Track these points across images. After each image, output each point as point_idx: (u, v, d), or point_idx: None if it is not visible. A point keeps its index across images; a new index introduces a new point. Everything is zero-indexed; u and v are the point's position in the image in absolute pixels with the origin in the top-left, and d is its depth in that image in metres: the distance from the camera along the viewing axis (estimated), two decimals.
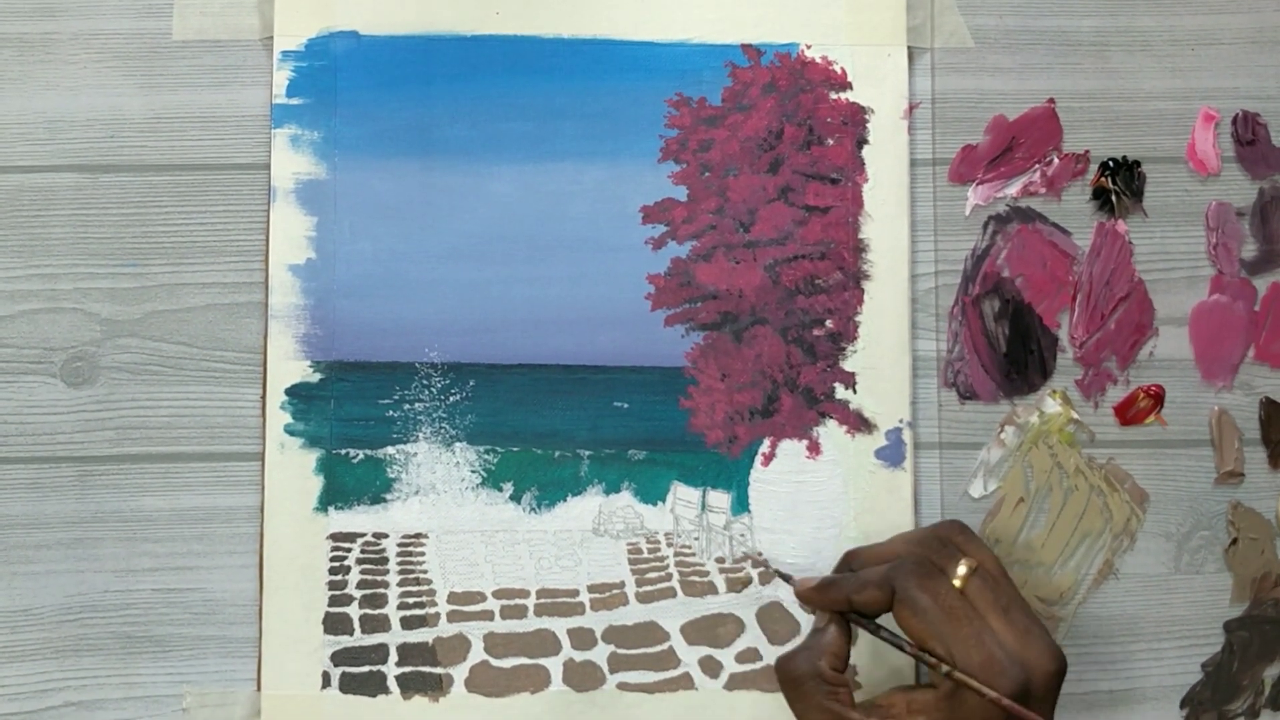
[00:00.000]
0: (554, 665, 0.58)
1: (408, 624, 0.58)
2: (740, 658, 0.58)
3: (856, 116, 0.61)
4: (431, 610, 0.58)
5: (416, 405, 0.59)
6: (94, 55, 0.60)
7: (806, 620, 0.59)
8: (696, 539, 0.59)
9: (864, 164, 0.60)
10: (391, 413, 0.59)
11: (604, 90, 0.60)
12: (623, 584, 0.59)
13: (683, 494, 0.59)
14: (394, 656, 0.58)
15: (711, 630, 0.59)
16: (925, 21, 0.61)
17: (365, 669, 0.58)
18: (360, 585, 0.58)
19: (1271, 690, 0.60)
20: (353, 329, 0.59)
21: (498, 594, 0.59)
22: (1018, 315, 0.61)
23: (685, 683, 0.58)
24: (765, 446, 0.60)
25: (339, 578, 0.58)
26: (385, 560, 0.58)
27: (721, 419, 0.60)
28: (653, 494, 0.59)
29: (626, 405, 0.59)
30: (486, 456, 0.59)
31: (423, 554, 0.59)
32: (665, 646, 0.59)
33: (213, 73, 0.60)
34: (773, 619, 0.59)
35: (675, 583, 0.59)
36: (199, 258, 0.59)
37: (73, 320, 0.59)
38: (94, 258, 0.59)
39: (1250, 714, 0.60)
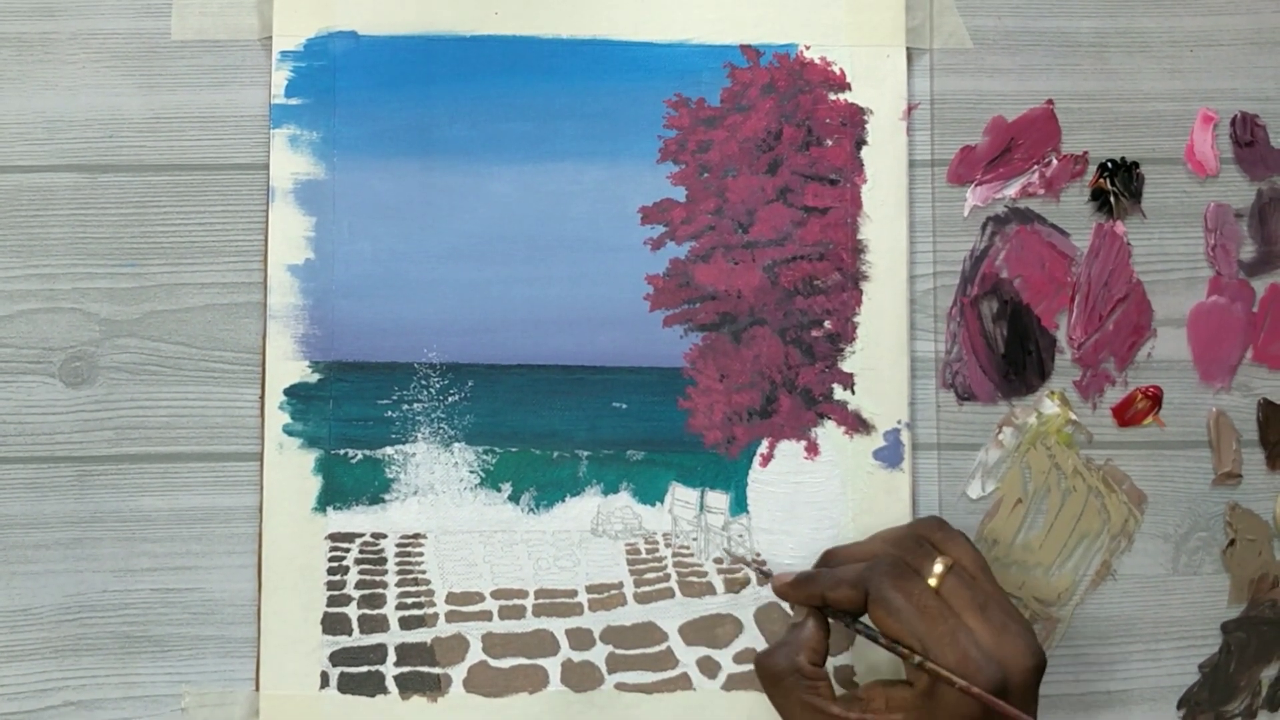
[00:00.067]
0: (552, 665, 0.58)
1: (406, 624, 0.58)
2: (738, 658, 0.59)
3: (855, 117, 0.61)
4: (430, 610, 0.58)
5: (415, 405, 0.59)
6: (93, 55, 0.60)
7: None
8: (695, 539, 0.59)
9: (863, 165, 0.60)
10: (390, 413, 0.59)
11: (603, 91, 0.60)
12: (621, 584, 0.59)
13: (681, 494, 0.59)
14: (392, 656, 0.58)
15: (710, 631, 0.59)
16: (924, 22, 0.61)
17: (364, 669, 0.58)
18: (359, 585, 0.58)
19: (1268, 691, 0.60)
20: (352, 329, 0.59)
21: (496, 594, 0.59)
22: (1016, 316, 0.61)
23: (683, 683, 0.58)
24: (763, 447, 0.60)
25: (337, 578, 0.58)
26: (384, 560, 0.58)
27: (720, 419, 0.60)
28: (651, 494, 0.59)
29: (625, 406, 0.59)
30: (485, 457, 0.59)
31: (421, 554, 0.59)
32: (663, 647, 0.59)
33: (211, 73, 0.60)
34: (771, 620, 0.59)
35: (673, 583, 0.59)
36: (198, 258, 0.59)
37: (71, 320, 0.59)
38: (93, 258, 0.59)
39: (1247, 715, 0.60)
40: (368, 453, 0.59)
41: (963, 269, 0.61)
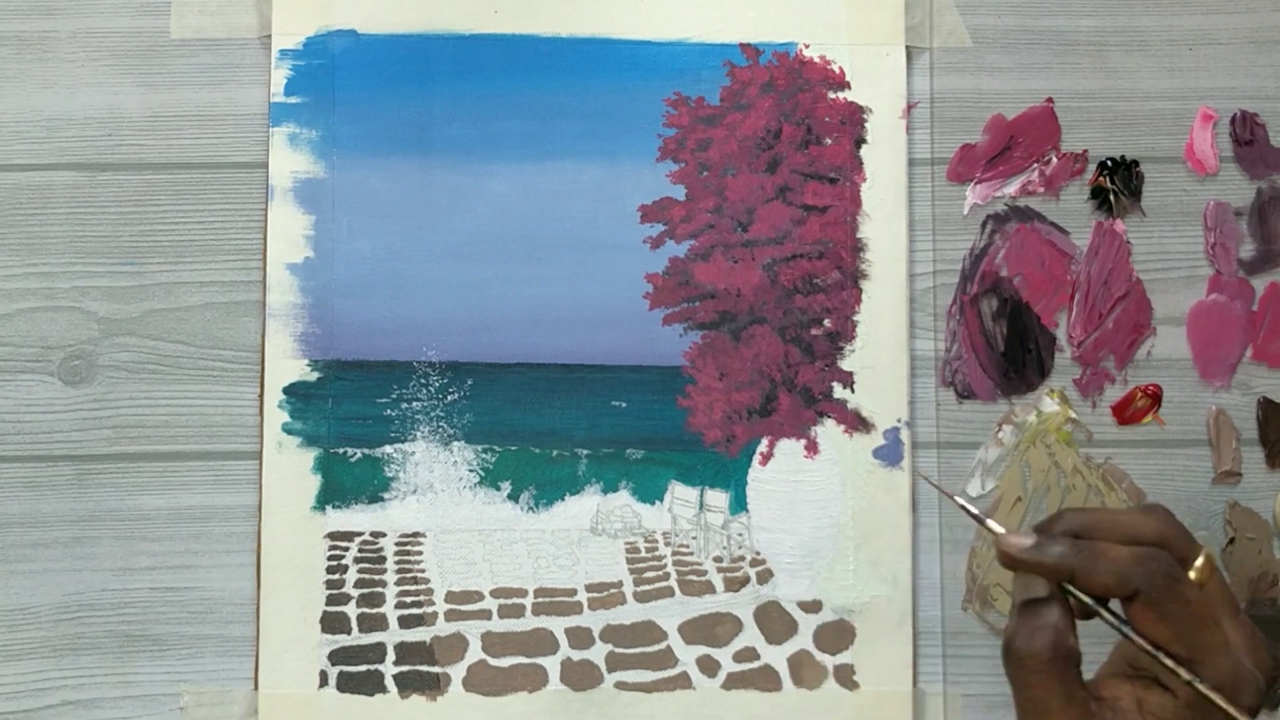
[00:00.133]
0: (552, 664, 0.58)
1: (405, 623, 0.58)
2: (738, 657, 0.58)
3: (855, 116, 0.61)
4: (429, 609, 0.58)
5: (414, 404, 0.59)
6: (92, 54, 0.60)
7: (805, 620, 0.59)
8: (694, 538, 0.59)
9: (862, 163, 0.60)
10: (389, 412, 0.59)
11: (602, 89, 0.60)
12: (620, 583, 0.59)
13: (681, 493, 0.59)
14: (391, 655, 0.58)
15: (709, 629, 0.59)
16: (923, 21, 0.61)
17: (363, 668, 0.58)
18: (358, 584, 0.58)
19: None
20: (351, 328, 0.59)
21: (495, 593, 0.59)
22: (1016, 314, 0.61)
23: (683, 682, 0.58)
24: (763, 446, 0.60)
25: (336, 577, 0.58)
26: (383, 559, 0.58)
27: (719, 418, 0.60)
28: (651, 493, 0.59)
29: (624, 404, 0.59)
30: (484, 455, 0.59)
31: (420, 553, 0.59)
32: (663, 646, 0.59)
33: (211, 71, 0.60)
34: (770, 618, 0.59)
35: (673, 582, 0.59)
36: (197, 256, 0.59)
37: (70, 319, 0.59)
38: (92, 256, 0.59)
39: None
40: (367, 451, 0.59)
41: (962, 267, 0.61)
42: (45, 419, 0.59)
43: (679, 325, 0.60)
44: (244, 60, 0.60)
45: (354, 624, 0.58)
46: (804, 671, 0.58)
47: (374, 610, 0.58)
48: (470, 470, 0.59)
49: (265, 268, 0.59)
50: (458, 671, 0.58)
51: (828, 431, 0.60)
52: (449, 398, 0.59)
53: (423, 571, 0.58)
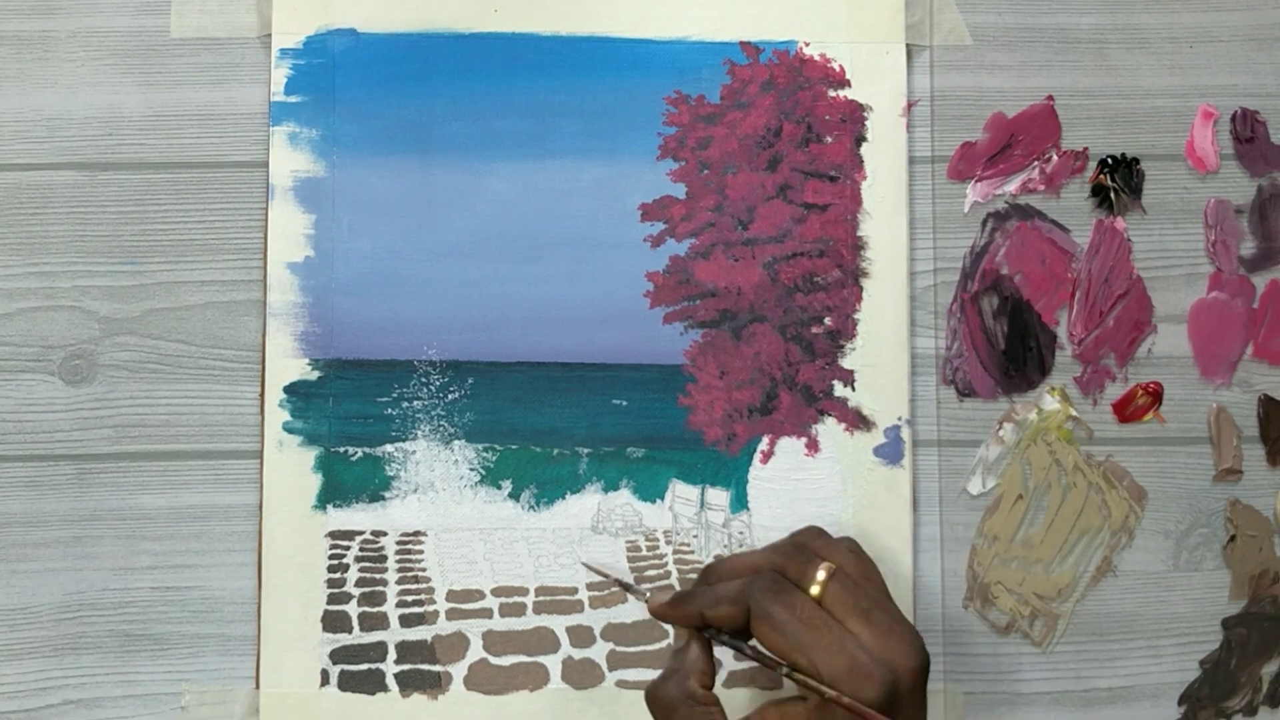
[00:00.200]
0: (553, 663, 0.58)
1: (406, 622, 0.58)
2: (738, 656, 0.58)
3: (855, 114, 0.61)
4: (430, 608, 0.58)
5: (415, 403, 0.59)
6: (92, 53, 0.60)
7: None
8: (695, 537, 0.59)
9: (862, 161, 0.60)
10: (390, 410, 0.59)
11: (602, 88, 0.60)
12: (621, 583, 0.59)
13: (681, 492, 0.59)
14: (393, 654, 0.58)
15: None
16: (924, 19, 0.61)
17: (364, 667, 0.58)
18: (359, 583, 0.58)
19: (1269, 687, 0.60)
20: (351, 327, 0.59)
21: (496, 592, 0.59)
22: (1016, 312, 0.61)
23: None
24: (764, 444, 0.60)
25: (337, 575, 0.58)
26: (384, 558, 0.58)
27: (720, 416, 0.60)
28: (651, 492, 0.59)
29: (625, 403, 0.59)
30: (485, 454, 0.59)
31: (421, 552, 0.59)
32: (664, 644, 0.59)
33: (211, 70, 0.60)
34: None
35: (674, 580, 0.59)
36: (197, 255, 0.59)
37: (71, 318, 0.59)
38: (92, 256, 0.59)
39: (1248, 711, 0.60)
40: (368, 450, 0.59)
41: (963, 265, 0.61)
42: (46, 418, 0.59)
43: (679, 324, 0.60)
44: (244, 59, 0.60)
45: (355, 623, 0.58)
46: None
47: (375, 609, 0.58)
48: (471, 469, 0.59)
49: (266, 267, 0.59)
50: (459, 670, 0.58)
51: (828, 430, 0.60)
52: (450, 396, 0.59)
53: (424, 570, 0.59)
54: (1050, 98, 0.61)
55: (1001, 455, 0.60)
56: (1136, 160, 0.61)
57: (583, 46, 0.60)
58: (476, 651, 0.58)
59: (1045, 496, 0.60)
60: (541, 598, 0.59)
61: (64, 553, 0.58)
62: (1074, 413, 0.60)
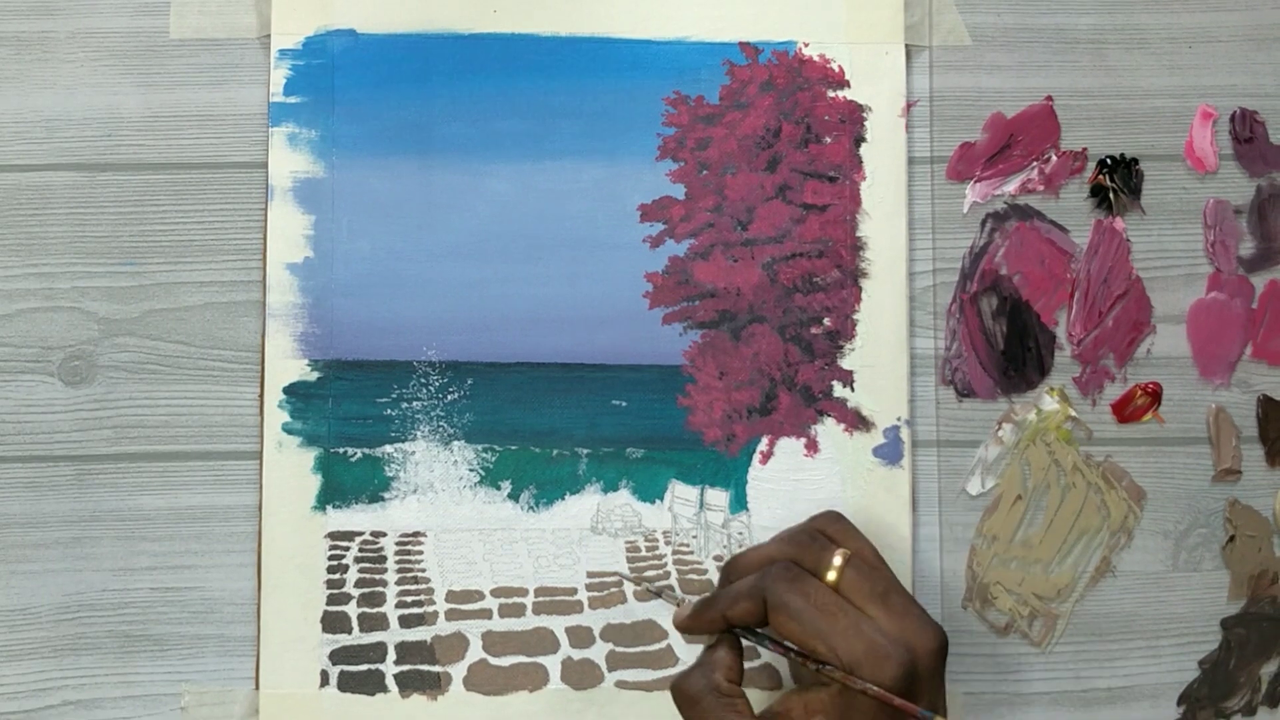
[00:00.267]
0: (552, 663, 0.58)
1: (406, 622, 0.58)
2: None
3: (854, 114, 0.61)
4: (430, 609, 0.58)
5: (414, 404, 0.59)
6: (91, 54, 0.60)
7: None
8: (695, 537, 0.59)
9: (862, 162, 0.60)
10: (389, 411, 0.59)
11: (602, 89, 0.60)
12: (621, 582, 0.59)
13: (681, 492, 0.59)
14: (392, 655, 0.58)
15: None
16: (923, 19, 0.61)
17: (363, 667, 0.58)
18: (358, 584, 0.58)
19: (1268, 687, 0.60)
20: (351, 328, 0.59)
21: (496, 592, 0.59)
22: (1015, 313, 0.61)
23: None
24: (763, 445, 0.60)
25: (337, 576, 0.58)
26: (383, 559, 0.58)
27: (719, 417, 0.60)
28: (651, 492, 0.59)
29: (624, 403, 0.59)
30: (484, 455, 0.59)
31: (421, 552, 0.59)
32: (663, 645, 0.59)
33: (210, 71, 0.60)
34: None
35: (673, 581, 0.59)
36: (197, 256, 0.59)
37: (70, 319, 0.59)
38: (91, 256, 0.59)
39: (1247, 711, 0.60)
40: (367, 451, 0.59)
41: (962, 265, 0.61)
42: (45, 419, 0.59)
43: (679, 324, 0.60)
44: (243, 60, 0.60)
45: (355, 623, 0.58)
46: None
47: (374, 610, 0.58)
48: (470, 470, 0.59)
49: (265, 268, 0.59)
50: (458, 671, 0.58)
51: (828, 430, 0.60)
52: (449, 397, 0.59)
53: (423, 571, 0.59)
54: (1049, 98, 0.62)
55: (1000, 456, 0.60)
56: (1135, 160, 0.61)
57: (582, 47, 0.60)
58: (476, 652, 0.58)
59: (1044, 497, 0.60)
60: (541, 598, 0.59)
61: (63, 553, 0.58)
62: (1073, 413, 0.60)
